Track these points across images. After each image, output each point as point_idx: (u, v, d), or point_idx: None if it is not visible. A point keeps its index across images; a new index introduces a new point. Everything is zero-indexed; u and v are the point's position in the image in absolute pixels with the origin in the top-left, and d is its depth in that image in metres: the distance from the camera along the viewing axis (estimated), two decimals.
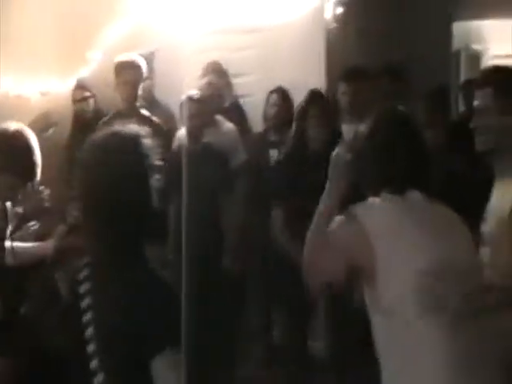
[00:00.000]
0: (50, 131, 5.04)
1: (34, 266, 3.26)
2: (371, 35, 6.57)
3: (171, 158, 4.74)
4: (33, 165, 3.17)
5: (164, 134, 4.99)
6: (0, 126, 3.17)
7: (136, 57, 4.97)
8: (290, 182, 4.40)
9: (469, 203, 3.13)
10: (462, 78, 9.29)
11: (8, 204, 3.22)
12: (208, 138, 4.94)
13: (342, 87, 5.10)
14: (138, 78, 4.89)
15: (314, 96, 4.76)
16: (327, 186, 2.48)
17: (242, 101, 5.98)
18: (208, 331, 4.47)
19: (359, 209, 2.41)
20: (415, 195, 2.45)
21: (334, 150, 2.57)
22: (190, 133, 4.73)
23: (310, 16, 5.92)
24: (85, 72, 5.80)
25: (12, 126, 3.16)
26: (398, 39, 7.14)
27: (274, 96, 5.28)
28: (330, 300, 4.52)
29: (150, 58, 6.34)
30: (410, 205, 2.43)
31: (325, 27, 6.01)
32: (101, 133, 2.11)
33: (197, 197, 4.32)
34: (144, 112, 5.03)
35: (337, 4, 6.04)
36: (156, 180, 2.08)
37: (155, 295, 1.95)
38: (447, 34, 8.13)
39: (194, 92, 4.90)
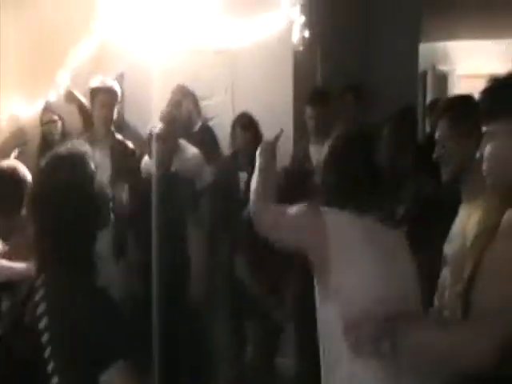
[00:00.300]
0: (13, 154, 5.01)
1: (15, 285, 3.28)
2: (338, 57, 6.65)
3: (140, 183, 4.78)
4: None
5: (136, 158, 5.02)
6: None
7: (111, 81, 4.96)
8: None
9: (435, 225, 3.17)
10: (429, 98, 9.43)
11: None
12: (173, 163, 4.95)
13: (308, 111, 5.20)
14: (114, 102, 4.90)
15: None
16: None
17: (211, 123, 5.98)
18: (177, 351, 4.50)
19: (327, 210, 2.52)
20: (374, 216, 2.57)
21: None
22: (157, 159, 4.74)
23: (278, 38, 5.94)
24: (53, 95, 5.78)
25: (5, 163, 3.22)
26: (364, 60, 7.23)
27: (239, 122, 5.26)
28: (300, 317, 4.54)
29: (119, 80, 6.34)
30: (369, 225, 2.54)
31: (292, 49, 6.05)
32: (50, 153, 2.20)
33: (165, 222, 4.38)
34: (118, 136, 5.04)
35: (304, 26, 6.08)
36: (105, 197, 2.15)
37: (107, 312, 2.02)
38: (414, 55, 8.23)
39: (160, 125, 4.89)
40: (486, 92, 2.07)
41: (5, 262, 3.28)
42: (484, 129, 2.00)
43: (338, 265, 2.42)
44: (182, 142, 5.27)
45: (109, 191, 2.17)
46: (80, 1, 6.13)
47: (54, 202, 2.06)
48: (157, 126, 4.86)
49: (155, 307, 4.25)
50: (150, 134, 4.74)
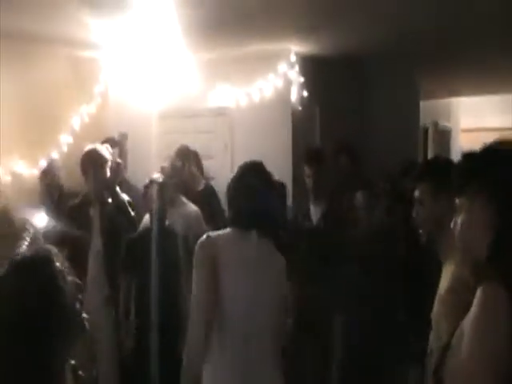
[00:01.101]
0: None
1: None
2: (338, 115, 6.71)
3: (137, 239, 4.81)
4: None
5: (131, 217, 5.05)
6: None
7: (102, 149, 5.01)
8: None
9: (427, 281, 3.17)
10: (431, 153, 9.46)
11: None
12: (172, 218, 4.98)
13: (307, 170, 5.25)
14: (105, 171, 4.95)
15: None
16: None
17: (212, 182, 6.02)
18: None
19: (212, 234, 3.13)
20: (252, 235, 3.08)
21: None
22: (154, 214, 4.79)
23: (276, 98, 6.05)
24: (55, 155, 5.86)
25: None
26: (364, 118, 7.30)
27: None
28: None
29: (122, 139, 6.42)
30: (249, 241, 3.07)
31: (291, 109, 6.13)
32: (13, 258, 1.98)
33: (162, 273, 4.41)
34: (119, 195, 5.07)
35: (302, 86, 6.18)
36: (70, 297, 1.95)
37: None
38: (415, 112, 8.30)
39: (157, 175, 4.95)
40: (456, 168, 2.13)
41: None
42: (456, 201, 2.03)
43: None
44: (183, 198, 5.31)
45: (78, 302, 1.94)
46: (83, 63, 6.27)
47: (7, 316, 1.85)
48: (155, 175, 4.93)
49: (152, 358, 4.29)
50: (149, 184, 4.82)
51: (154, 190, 4.75)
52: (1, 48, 5.36)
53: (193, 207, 5.26)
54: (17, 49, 5.52)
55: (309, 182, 5.28)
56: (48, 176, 5.56)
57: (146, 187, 4.88)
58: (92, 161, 4.91)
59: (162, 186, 4.83)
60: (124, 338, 4.72)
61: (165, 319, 4.47)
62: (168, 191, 4.94)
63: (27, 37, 5.44)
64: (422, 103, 8.71)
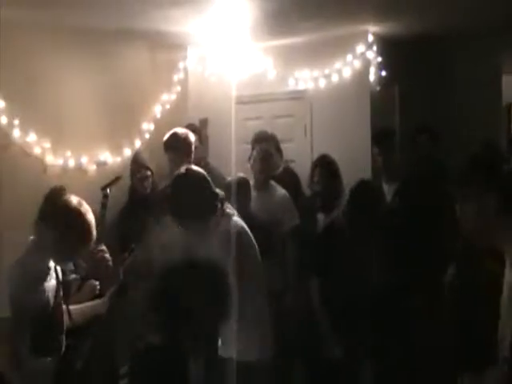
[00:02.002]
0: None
1: (86, 325, 3.48)
2: (417, 95, 6.63)
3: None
4: (90, 233, 3.34)
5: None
6: (63, 198, 3.38)
7: (184, 133, 5.08)
8: (328, 253, 4.40)
9: None
10: None
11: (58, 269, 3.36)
12: (262, 202, 5.04)
13: (375, 150, 5.25)
14: (187, 153, 5.02)
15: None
16: None
17: (292, 165, 6.04)
18: None
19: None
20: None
21: None
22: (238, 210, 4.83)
23: (354, 79, 6.03)
24: (139, 143, 6.00)
25: (74, 199, 3.37)
26: (444, 97, 7.17)
27: (319, 163, 5.29)
28: None
29: (202, 125, 6.53)
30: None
31: (369, 89, 6.09)
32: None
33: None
34: None
35: (380, 66, 6.13)
36: None
37: None
38: (497, 88, 8.08)
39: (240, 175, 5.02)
40: None
41: (74, 306, 3.44)
42: None
43: None
44: (272, 182, 5.37)
45: None
46: (162, 53, 6.39)
47: None
48: (234, 177, 4.99)
49: None
50: (229, 183, 4.86)
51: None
52: (86, 43, 5.55)
53: (283, 191, 5.30)
54: (100, 43, 5.69)
55: (378, 160, 5.29)
56: (140, 171, 5.32)
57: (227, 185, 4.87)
58: (175, 143, 5.00)
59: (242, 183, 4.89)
60: None
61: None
62: (250, 189, 5.00)
63: (109, 31, 5.57)
64: (504, 78, 8.47)
